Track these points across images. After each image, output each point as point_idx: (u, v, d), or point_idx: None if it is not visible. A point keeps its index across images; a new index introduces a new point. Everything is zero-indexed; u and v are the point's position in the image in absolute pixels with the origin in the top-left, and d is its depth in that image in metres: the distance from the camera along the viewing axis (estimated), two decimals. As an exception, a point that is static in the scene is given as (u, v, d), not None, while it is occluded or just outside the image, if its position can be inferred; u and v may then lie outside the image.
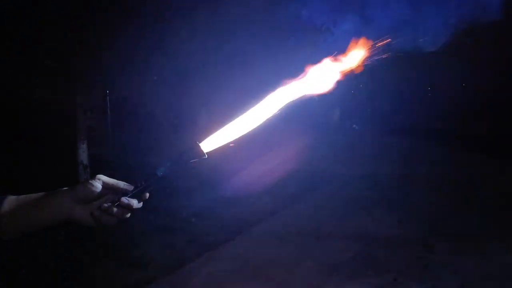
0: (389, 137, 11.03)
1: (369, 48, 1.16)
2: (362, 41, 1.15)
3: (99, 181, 1.03)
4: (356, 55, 1.16)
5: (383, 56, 1.18)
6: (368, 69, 1.24)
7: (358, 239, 4.59)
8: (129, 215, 1.05)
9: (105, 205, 1.02)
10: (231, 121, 1.12)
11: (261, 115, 1.13)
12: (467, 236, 4.66)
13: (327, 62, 1.17)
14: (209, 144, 1.09)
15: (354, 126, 12.02)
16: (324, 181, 6.95)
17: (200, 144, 1.08)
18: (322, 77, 1.17)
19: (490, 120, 12.14)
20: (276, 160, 7.14)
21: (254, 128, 1.14)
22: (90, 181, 1.02)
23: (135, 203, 1.04)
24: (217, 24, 5.56)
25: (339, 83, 1.18)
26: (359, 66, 1.17)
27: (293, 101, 1.15)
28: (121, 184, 1.04)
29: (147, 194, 1.07)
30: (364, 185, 6.69)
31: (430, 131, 11.84)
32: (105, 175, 1.07)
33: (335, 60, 1.17)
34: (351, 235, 4.70)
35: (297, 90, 1.15)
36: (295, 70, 1.21)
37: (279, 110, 1.14)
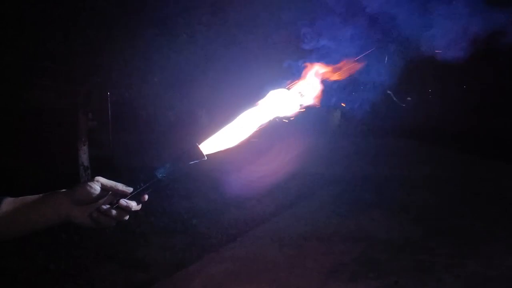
0: (390, 139, 11.03)
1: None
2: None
3: (98, 183, 1.02)
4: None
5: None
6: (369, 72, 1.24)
7: (359, 242, 4.58)
8: (127, 217, 1.05)
9: (104, 207, 1.01)
10: (231, 123, 1.12)
11: (261, 119, 1.13)
12: (468, 238, 4.65)
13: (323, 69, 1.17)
14: (208, 146, 1.09)
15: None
16: (325, 183, 6.95)
17: (200, 146, 1.07)
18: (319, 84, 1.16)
19: (490, 121, 12.13)
20: (277, 162, 7.13)
21: (254, 131, 1.13)
22: (89, 183, 1.01)
23: (133, 205, 1.03)
24: (218, 26, 5.57)
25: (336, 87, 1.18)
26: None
27: (294, 108, 1.15)
28: (120, 186, 1.04)
29: (146, 196, 1.06)
30: (365, 187, 6.68)
31: (430, 132, 11.83)
32: (105, 176, 1.06)
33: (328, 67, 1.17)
34: (352, 238, 4.69)
35: (297, 96, 1.15)
36: (296, 73, 1.20)
37: (279, 116, 1.14)
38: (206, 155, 1.07)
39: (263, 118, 1.14)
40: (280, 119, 1.16)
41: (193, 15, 5.41)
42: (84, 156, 5.63)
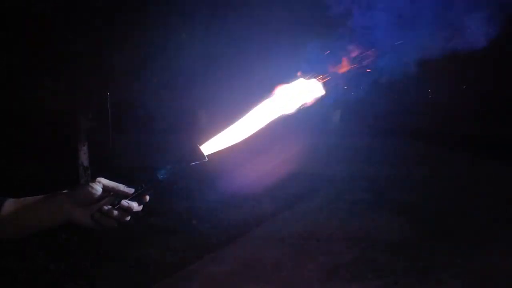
0: (389, 139, 11.03)
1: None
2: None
3: (99, 184, 1.02)
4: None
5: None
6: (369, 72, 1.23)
7: (359, 242, 4.58)
8: (129, 218, 1.05)
9: (105, 207, 1.01)
10: (232, 123, 1.12)
11: (263, 118, 1.13)
12: (468, 238, 4.66)
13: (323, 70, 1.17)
14: (210, 147, 1.09)
15: None
16: (325, 183, 6.95)
17: (201, 147, 1.07)
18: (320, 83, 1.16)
19: (489, 121, 12.14)
20: (276, 162, 7.14)
21: (256, 131, 1.14)
22: (90, 184, 1.01)
23: (135, 206, 1.03)
24: (218, 26, 5.57)
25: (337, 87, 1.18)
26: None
27: (295, 107, 1.15)
28: (121, 187, 1.04)
29: (148, 197, 1.06)
30: (365, 187, 6.68)
31: (430, 132, 11.84)
32: (105, 177, 1.06)
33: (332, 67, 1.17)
34: (352, 238, 4.69)
35: (298, 95, 1.15)
36: (296, 73, 1.21)
37: (281, 115, 1.14)
38: (207, 156, 1.07)
39: (264, 119, 1.14)
40: (282, 117, 1.16)
41: (192, 15, 5.41)
42: (84, 156, 5.63)
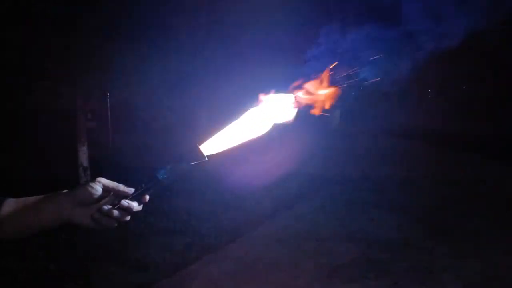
0: (389, 139, 11.03)
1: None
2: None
3: (99, 184, 1.02)
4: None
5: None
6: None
7: (359, 242, 4.58)
8: (129, 217, 1.05)
9: (105, 207, 1.02)
10: (232, 123, 1.12)
11: (263, 120, 1.13)
12: (468, 238, 4.66)
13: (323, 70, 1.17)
14: (209, 146, 1.09)
15: None
16: (325, 184, 6.94)
17: (200, 147, 1.08)
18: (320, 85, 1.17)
19: (490, 121, 12.14)
20: (276, 162, 7.13)
21: (256, 132, 1.14)
22: (90, 184, 1.02)
23: (135, 205, 1.03)
24: (217, 27, 5.57)
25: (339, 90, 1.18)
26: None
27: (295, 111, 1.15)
28: (121, 187, 1.04)
29: (147, 197, 1.06)
30: (365, 187, 6.68)
31: (429, 132, 11.84)
32: (105, 177, 1.06)
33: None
34: (351, 238, 4.69)
35: (298, 99, 1.15)
36: (296, 73, 1.21)
37: (282, 119, 1.14)
38: (206, 156, 1.07)
39: (264, 120, 1.14)
40: (281, 123, 1.16)
41: (192, 16, 5.41)
42: (83, 156, 5.63)
